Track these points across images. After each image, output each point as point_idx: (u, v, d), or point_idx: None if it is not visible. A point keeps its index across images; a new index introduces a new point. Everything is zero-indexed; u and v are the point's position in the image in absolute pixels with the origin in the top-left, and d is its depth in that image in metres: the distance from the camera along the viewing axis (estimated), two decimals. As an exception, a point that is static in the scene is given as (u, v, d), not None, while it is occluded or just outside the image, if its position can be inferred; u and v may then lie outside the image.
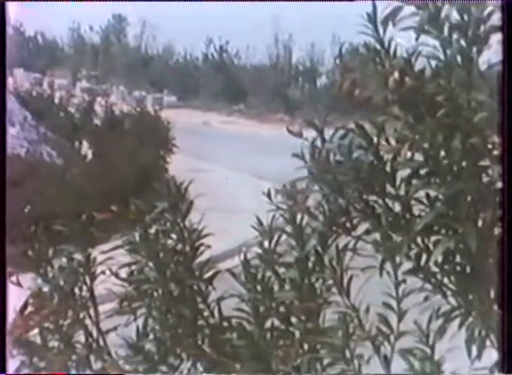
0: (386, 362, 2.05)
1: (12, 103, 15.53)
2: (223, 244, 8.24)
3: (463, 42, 1.90)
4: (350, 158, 1.96)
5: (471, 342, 1.98)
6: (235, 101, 27.56)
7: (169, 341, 2.20)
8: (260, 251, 2.18)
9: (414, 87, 1.89)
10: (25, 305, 2.27)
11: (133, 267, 2.21)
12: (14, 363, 2.27)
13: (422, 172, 1.93)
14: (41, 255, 2.32)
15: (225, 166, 15.87)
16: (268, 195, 2.14)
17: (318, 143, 2.01)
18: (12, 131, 15.04)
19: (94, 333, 2.32)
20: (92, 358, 2.31)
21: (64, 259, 2.32)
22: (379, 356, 2.05)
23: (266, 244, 2.17)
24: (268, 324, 2.15)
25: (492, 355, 1.97)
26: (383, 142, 1.95)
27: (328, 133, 2.02)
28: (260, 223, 2.20)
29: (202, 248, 2.22)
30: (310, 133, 2.03)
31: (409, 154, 1.92)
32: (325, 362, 2.09)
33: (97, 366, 2.29)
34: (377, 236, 1.97)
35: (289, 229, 2.11)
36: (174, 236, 2.22)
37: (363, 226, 2.00)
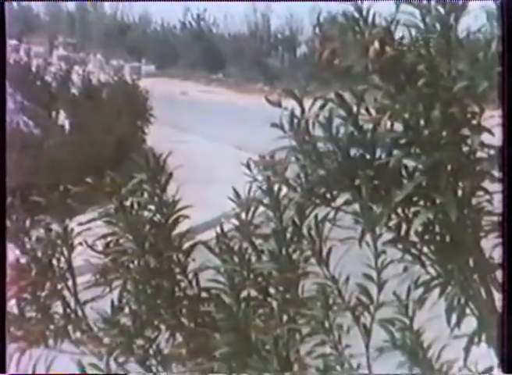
0: (366, 332, 2.06)
1: (-12, 71, 15.28)
2: (202, 215, 8.23)
3: (441, 9, 1.89)
4: (330, 128, 1.95)
5: (451, 311, 1.99)
6: (213, 71, 27.40)
7: (145, 313, 2.19)
8: (237, 222, 2.17)
9: (394, 56, 1.88)
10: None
11: (111, 239, 2.20)
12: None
13: (402, 142, 1.93)
14: (19, 226, 2.30)
15: (204, 136, 15.82)
16: (248, 166, 2.14)
17: (298, 113, 2.00)
18: (-13, 100, 14.81)
19: (72, 305, 2.32)
20: (70, 329, 2.30)
21: (41, 230, 2.31)
22: (359, 326, 2.06)
23: (243, 215, 2.17)
24: (246, 295, 2.16)
25: (471, 323, 1.98)
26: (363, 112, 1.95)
27: (307, 103, 2.00)
28: (237, 194, 2.19)
29: (181, 220, 2.21)
30: (289, 103, 2.01)
31: (389, 124, 1.92)
32: (305, 332, 2.10)
33: (75, 336, 2.28)
34: (356, 207, 1.97)
35: (267, 200, 2.11)
36: (152, 207, 2.21)
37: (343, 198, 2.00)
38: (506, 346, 1.84)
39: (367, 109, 1.94)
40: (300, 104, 2.00)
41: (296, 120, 1.99)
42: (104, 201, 2.22)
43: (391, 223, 1.96)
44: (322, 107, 1.97)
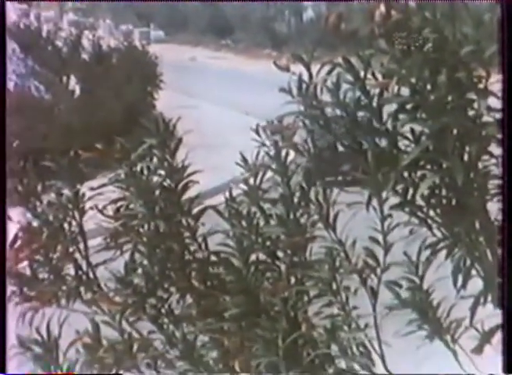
0: (373, 293, 2.06)
1: (-2, 34, 15.23)
2: (211, 180, 8.21)
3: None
4: (338, 93, 1.94)
5: (457, 272, 2.00)
6: (222, 36, 27.25)
7: (157, 275, 2.20)
8: (246, 187, 2.17)
9: (400, 20, 1.86)
10: (15, 239, 2.27)
11: (121, 203, 2.21)
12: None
13: (408, 107, 1.92)
14: (30, 190, 2.31)
15: (213, 102, 15.77)
16: (256, 131, 2.13)
17: (306, 78, 1.99)
18: (-1, 64, 14.76)
19: (84, 267, 2.33)
20: (82, 290, 2.32)
21: (53, 195, 2.31)
22: (366, 288, 2.07)
23: (252, 180, 2.18)
24: (254, 259, 2.17)
25: (477, 285, 1.99)
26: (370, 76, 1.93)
27: (315, 68, 1.99)
28: (245, 159, 2.19)
29: (190, 185, 2.21)
30: (297, 68, 2.00)
31: (395, 88, 1.90)
32: (313, 294, 2.12)
33: (87, 297, 2.30)
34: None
35: (275, 165, 2.10)
36: (162, 172, 2.21)
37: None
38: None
39: (373, 74, 1.93)
40: (308, 69, 1.99)
41: (304, 85, 1.98)
42: (115, 166, 2.22)
43: (398, 187, 1.95)
44: (330, 72, 1.95)
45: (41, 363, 2.31)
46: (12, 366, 2.25)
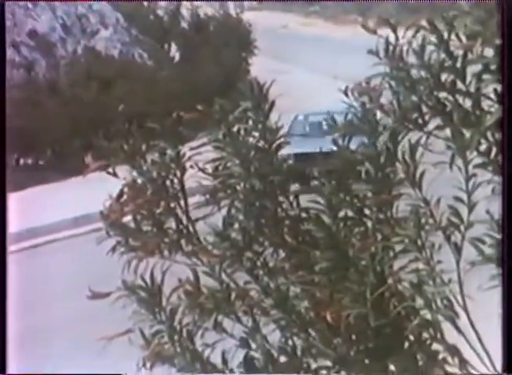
0: (457, 249, 2.03)
1: (103, 5, 15.47)
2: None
3: None
4: (423, 55, 1.89)
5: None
6: (310, 3, 26.97)
7: (253, 230, 2.21)
8: (334, 148, 2.15)
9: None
10: (120, 193, 2.31)
11: (219, 163, 2.22)
12: (111, 242, 2.33)
13: (492, 67, 1.86)
14: (135, 150, 2.33)
15: (303, 66, 15.68)
16: (345, 93, 2.10)
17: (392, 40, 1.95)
18: (105, 33, 15.03)
19: (185, 221, 2.35)
20: (183, 242, 2.34)
21: (156, 154, 2.34)
22: (450, 244, 2.03)
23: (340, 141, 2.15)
24: (343, 215, 2.15)
25: None
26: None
27: (400, 31, 1.95)
28: (334, 121, 2.16)
29: (283, 146, 2.21)
30: (384, 32, 1.96)
31: (479, 49, 1.84)
32: (398, 249, 2.09)
33: (187, 249, 2.32)
34: (448, 132, 1.91)
35: (362, 126, 2.07)
36: (256, 134, 2.20)
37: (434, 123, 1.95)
38: None
39: (457, 36, 1.87)
40: (395, 31, 1.95)
41: (390, 48, 1.94)
42: (212, 129, 2.23)
43: (481, 148, 1.90)
44: (415, 34, 1.91)
45: (145, 305, 2.35)
46: (117, 306, 2.29)
